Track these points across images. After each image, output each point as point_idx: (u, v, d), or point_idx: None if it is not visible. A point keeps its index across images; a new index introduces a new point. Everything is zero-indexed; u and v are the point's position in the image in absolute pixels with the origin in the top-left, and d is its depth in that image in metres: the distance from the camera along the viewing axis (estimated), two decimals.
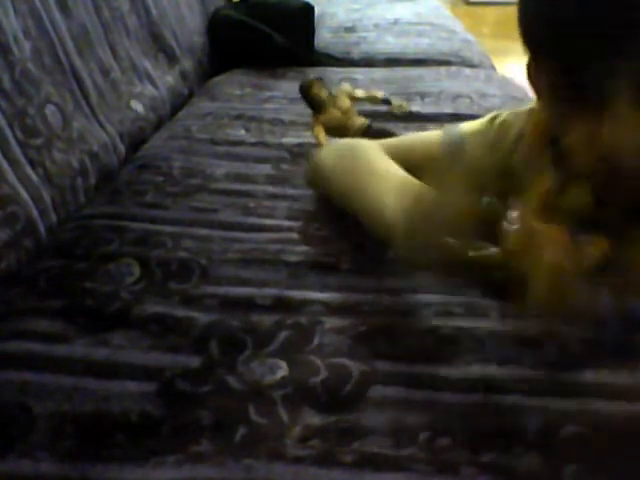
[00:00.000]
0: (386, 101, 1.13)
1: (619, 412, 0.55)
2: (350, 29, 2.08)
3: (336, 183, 0.84)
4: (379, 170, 0.78)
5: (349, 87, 1.12)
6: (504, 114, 0.87)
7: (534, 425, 0.53)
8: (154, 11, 1.48)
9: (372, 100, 1.13)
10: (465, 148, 0.81)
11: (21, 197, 0.85)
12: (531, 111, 0.80)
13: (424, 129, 1.11)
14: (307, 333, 0.65)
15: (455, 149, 0.82)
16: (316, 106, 1.07)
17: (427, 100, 1.36)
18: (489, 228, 0.59)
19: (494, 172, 0.82)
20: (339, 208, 0.87)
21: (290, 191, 0.96)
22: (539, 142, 0.73)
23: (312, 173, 0.93)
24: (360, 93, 1.12)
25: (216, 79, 1.62)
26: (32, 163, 0.89)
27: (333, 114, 1.05)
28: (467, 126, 0.83)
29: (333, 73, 1.65)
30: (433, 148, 0.82)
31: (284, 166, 1.05)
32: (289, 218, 0.88)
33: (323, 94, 1.06)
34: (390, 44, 1.92)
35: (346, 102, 1.07)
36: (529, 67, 0.63)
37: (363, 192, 0.76)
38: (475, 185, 0.67)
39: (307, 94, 1.08)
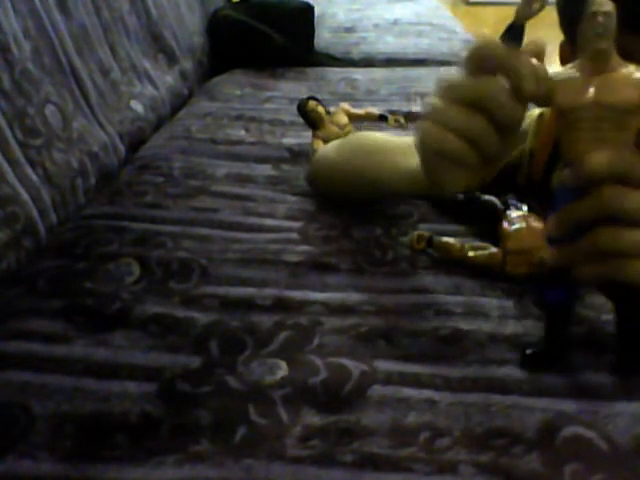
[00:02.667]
0: (383, 117, 1.14)
1: (619, 412, 0.55)
2: (350, 29, 2.09)
3: (342, 169, 0.87)
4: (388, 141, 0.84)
5: (346, 105, 1.14)
6: None
7: (534, 425, 0.53)
8: (154, 11, 1.48)
9: (369, 117, 1.15)
10: None
11: (21, 197, 0.85)
12: (540, 115, 0.81)
13: None
14: (307, 333, 0.65)
15: None
16: (314, 123, 1.09)
17: (427, 100, 1.36)
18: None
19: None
20: (344, 198, 0.88)
21: (290, 191, 0.96)
22: (550, 144, 0.74)
23: (313, 170, 0.94)
24: (357, 110, 1.14)
25: (216, 79, 1.62)
26: (32, 163, 0.89)
27: (331, 129, 1.07)
28: None
29: (333, 73, 1.65)
30: None
31: (284, 166, 1.06)
32: (289, 218, 0.88)
33: (320, 111, 1.09)
34: (390, 44, 1.93)
35: (344, 118, 1.10)
36: (562, 47, 0.68)
37: (379, 160, 0.80)
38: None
39: (305, 112, 1.10)
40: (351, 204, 0.89)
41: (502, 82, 0.51)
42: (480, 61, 0.52)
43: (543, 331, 0.60)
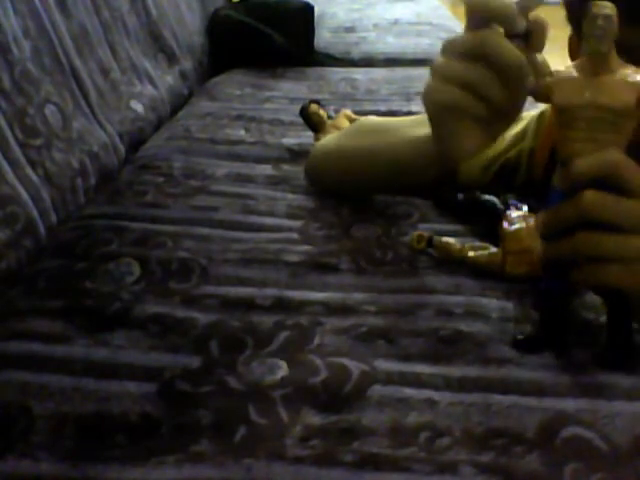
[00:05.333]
0: None
1: (619, 412, 0.55)
2: (350, 29, 2.09)
3: (347, 152, 0.87)
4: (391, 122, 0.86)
5: (349, 111, 1.15)
6: None
7: (534, 425, 0.53)
8: (154, 11, 1.48)
9: None
10: None
11: (21, 197, 0.85)
12: (541, 114, 0.81)
13: None
14: (307, 333, 0.65)
15: None
16: (315, 126, 1.10)
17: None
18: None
19: (482, 165, 0.84)
20: (346, 188, 0.89)
21: (290, 191, 0.96)
22: (551, 144, 0.74)
23: (314, 159, 0.95)
24: (359, 117, 1.15)
25: (216, 79, 1.62)
26: (32, 163, 0.89)
27: (333, 133, 1.08)
28: None
29: (333, 73, 1.65)
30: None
31: (284, 166, 1.06)
32: (289, 218, 0.88)
33: (322, 114, 1.10)
34: (390, 44, 1.93)
35: (345, 123, 1.11)
36: (571, 40, 0.69)
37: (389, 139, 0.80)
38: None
39: (307, 115, 1.11)
40: (352, 197, 0.89)
41: (499, 31, 0.52)
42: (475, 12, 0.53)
43: (538, 316, 0.61)
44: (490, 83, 0.53)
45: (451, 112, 0.56)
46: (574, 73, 0.53)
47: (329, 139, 0.96)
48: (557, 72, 0.54)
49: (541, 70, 0.54)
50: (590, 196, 0.52)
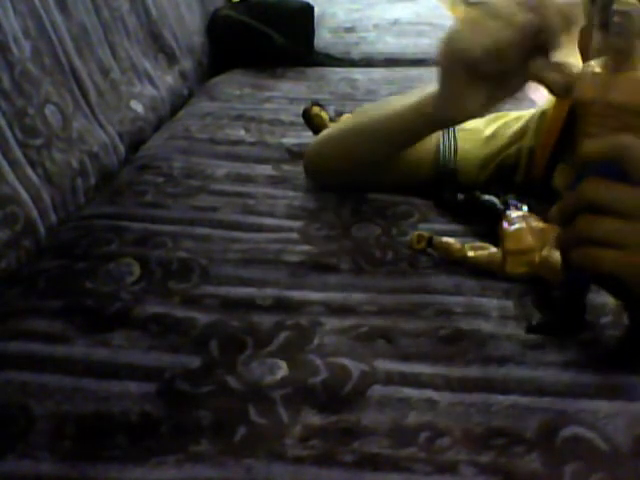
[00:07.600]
0: None
1: (619, 412, 0.55)
2: (350, 29, 2.09)
3: (342, 143, 0.90)
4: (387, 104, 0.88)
5: (349, 115, 1.15)
6: (505, 114, 0.88)
7: (534, 425, 0.53)
8: (154, 11, 1.48)
9: None
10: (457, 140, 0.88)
11: (21, 197, 0.85)
12: (542, 114, 0.81)
13: None
14: (307, 333, 0.65)
15: (447, 142, 0.87)
16: (317, 128, 1.10)
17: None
18: None
19: (479, 163, 0.85)
20: (344, 181, 0.90)
21: (290, 191, 0.96)
22: (555, 140, 0.75)
23: (311, 154, 0.96)
24: None
25: (216, 79, 1.62)
26: (32, 163, 0.89)
27: None
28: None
29: (333, 73, 1.65)
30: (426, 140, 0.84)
31: (284, 166, 1.05)
32: (289, 218, 0.88)
33: (324, 116, 1.10)
34: (390, 44, 1.93)
35: None
36: (582, 32, 0.70)
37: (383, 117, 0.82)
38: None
39: (309, 117, 1.11)
40: (351, 188, 0.90)
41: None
42: None
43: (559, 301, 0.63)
44: (512, 48, 0.58)
45: (465, 67, 0.62)
46: (597, 69, 0.53)
47: (325, 133, 0.97)
48: (584, 66, 0.54)
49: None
50: (590, 181, 0.52)
